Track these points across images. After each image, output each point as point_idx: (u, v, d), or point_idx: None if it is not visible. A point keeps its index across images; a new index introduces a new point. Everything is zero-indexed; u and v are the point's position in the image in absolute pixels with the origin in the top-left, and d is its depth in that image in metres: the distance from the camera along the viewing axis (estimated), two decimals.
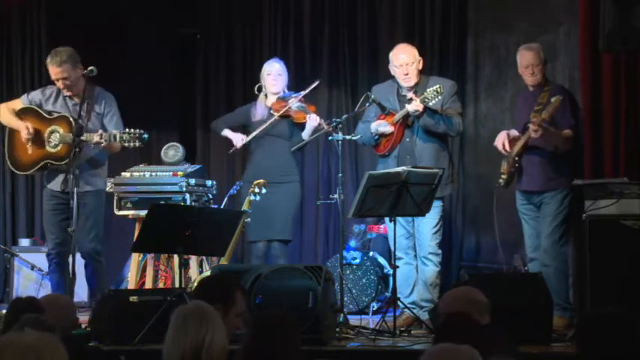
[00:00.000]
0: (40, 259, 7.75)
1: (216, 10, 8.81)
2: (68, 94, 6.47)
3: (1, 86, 8.57)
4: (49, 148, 6.41)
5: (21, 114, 6.54)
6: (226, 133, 7.05)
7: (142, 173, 7.12)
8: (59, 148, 6.39)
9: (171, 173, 7.10)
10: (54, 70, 6.43)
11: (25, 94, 6.67)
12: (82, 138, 6.22)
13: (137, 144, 6.30)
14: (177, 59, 9.02)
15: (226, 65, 8.75)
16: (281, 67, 6.95)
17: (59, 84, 6.44)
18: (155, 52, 8.73)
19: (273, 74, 6.90)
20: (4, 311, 4.53)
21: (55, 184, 6.44)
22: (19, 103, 6.63)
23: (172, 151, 7.50)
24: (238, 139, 6.93)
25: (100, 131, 6.33)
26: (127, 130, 6.33)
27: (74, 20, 8.47)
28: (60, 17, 8.52)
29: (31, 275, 7.76)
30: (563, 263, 6.26)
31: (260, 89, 6.99)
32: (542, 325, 5.41)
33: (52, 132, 6.43)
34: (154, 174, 7.12)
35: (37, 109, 6.51)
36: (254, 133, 6.83)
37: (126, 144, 6.32)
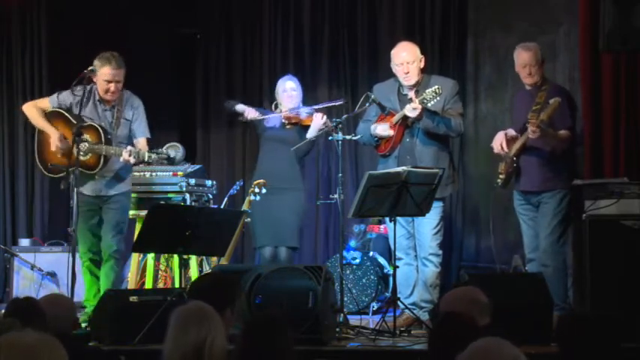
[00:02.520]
0: (40, 259, 7.75)
1: (216, 10, 8.81)
2: (110, 98, 6.47)
3: (1, 86, 8.57)
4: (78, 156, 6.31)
5: (50, 117, 6.53)
6: (240, 107, 7.06)
7: (141, 173, 7.12)
8: (88, 157, 6.38)
9: (171, 173, 7.10)
10: (112, 72, 6.39)
11: (56, 95, 6.58)
12: (96, 146, 6.30)
13: (165, 164, 6.53)
14: (177, 59, 9.03)
15: (226, 65, 8.75)
16: (295, 84, 7.03)
17: (110, 86, 6.41)
18: (155, 52, 8.74)
19: (288, 91, 6.99)
20: (3, 311, 4.52)
21: (86, 189, 6.44)
22: (47, 102, 6.59)
23: (172, 151, 7.50)
24: (252, 112, 6.95)
25: (130, 148, 6.34)
26: (155, 150, 6.37)
27: (74, 20, 8.47)
28: (60, 17, 8.52)
29: (30, 275, 7.75)
30: (562, 263, 6.25)
31: (277, 106, 7.06)
32: (542, 325, 5.39)
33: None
34: (154, 174, 7.12)
35: (66, 113, 6.50)
36: (268, 115, 6.92)
37: (154, 164, 6.55)
